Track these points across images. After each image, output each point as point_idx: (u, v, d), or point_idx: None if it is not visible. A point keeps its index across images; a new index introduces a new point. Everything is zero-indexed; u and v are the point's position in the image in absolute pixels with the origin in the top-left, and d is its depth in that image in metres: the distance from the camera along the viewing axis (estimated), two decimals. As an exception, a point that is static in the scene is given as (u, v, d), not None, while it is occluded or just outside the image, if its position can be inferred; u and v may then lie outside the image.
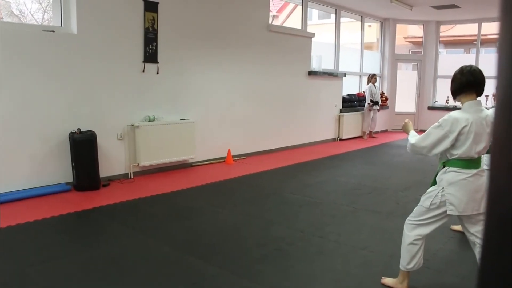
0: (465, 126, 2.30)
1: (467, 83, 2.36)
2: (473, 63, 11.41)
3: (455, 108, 10.64)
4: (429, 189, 2.51)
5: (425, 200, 2.48)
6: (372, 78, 9.97)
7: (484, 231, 0.63)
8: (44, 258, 3.04)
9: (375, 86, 9.98)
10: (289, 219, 4.00)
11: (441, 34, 11.73)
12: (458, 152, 2.35)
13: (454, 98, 2.49)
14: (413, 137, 2.53)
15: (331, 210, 4.29)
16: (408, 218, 2.59)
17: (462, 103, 2.42)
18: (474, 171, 2.36)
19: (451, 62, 11.47)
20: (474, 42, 11.30)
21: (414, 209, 2.57)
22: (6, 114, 4.46)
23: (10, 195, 4.43)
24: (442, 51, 13.68)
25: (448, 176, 2.39)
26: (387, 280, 2.67)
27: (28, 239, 3.42)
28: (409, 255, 2.52)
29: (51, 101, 4.82)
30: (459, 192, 2.35)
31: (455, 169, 2.38)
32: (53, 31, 4.81)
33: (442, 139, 2.36)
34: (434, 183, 2.52)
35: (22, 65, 4.56)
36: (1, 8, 5.21)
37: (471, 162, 2.36)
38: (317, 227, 3.78)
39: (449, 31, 12.84)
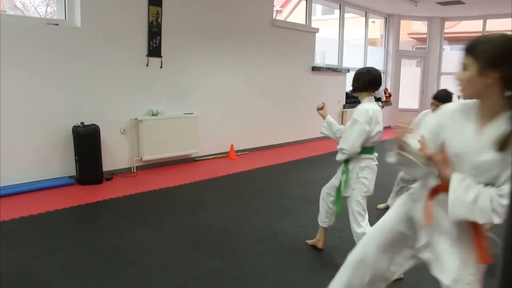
0: (372, 117, 2.70)
1: (376, 81, 2.79)
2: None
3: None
4: (362, 180, 2.83)
5: (362, 187, 2.84)
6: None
7: None
8: (47, 251, 3.05)
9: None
10: (292, 215, 4.00)
11: (445, 31, 11.66)
12: (372, 140, 2.76)
13: (357, 92, 2.83)
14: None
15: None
16: (358, 219, 2.91)
17: (363, 97, 2.81)
18: (375, 154, 2.86)
19: (455, 58, 11.40)
20: (479, 39, 11.23)
21: (356, 205, 2.88)
22: (9, 107, 4.47)
23: (13, 188, 4.45)
24: (446, 47, 13.59)
25: (367, 162, 2.80)
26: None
27: (31, 232, 3.43)
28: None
29: (55, 94, 4.82)
30: (372, 175, 2.86)
31: (368, 156, 2.80)
32: (57, 24, 4.80)
33: (364, 132, 2.69)
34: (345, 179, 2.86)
35: (25, 58, 4.56)
36: (4, 1, 5.20)
37: (372, 148, 2.82)
38: (320, 222, 3.77)
39: (453, 27, 12.75)
